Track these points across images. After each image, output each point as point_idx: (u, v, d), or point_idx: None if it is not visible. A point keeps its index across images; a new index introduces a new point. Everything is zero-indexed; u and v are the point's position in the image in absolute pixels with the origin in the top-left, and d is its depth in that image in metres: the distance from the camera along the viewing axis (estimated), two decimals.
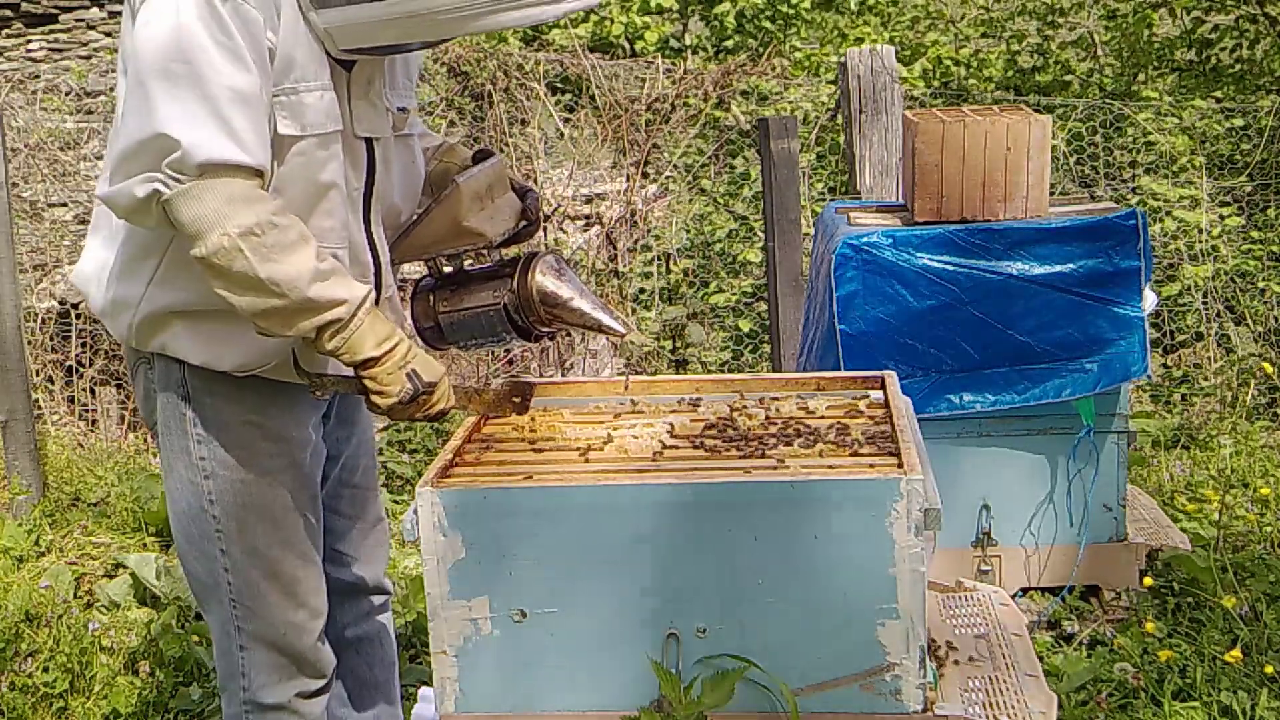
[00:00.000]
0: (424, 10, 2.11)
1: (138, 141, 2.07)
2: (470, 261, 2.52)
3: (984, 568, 3.81)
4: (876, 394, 2.74)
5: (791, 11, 9.60)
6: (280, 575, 2.37)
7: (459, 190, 2.41)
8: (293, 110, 2.15)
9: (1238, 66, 8.28)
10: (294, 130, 2.15)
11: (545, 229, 6.97)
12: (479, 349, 2.60)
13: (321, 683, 2.46)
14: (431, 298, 2.49)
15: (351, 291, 2.16)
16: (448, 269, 2.52)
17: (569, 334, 6.96)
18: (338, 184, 2.23)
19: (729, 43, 9.65)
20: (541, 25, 9.08)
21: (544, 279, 2.43)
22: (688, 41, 9.61)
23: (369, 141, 2.31)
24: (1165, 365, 6.94)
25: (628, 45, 9.01)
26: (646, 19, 9.17)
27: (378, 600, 2.68)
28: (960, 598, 3.05)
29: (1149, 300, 3.73)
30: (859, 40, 9.15)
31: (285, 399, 2.34)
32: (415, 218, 2.46)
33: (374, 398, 2.24)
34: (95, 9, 8.60)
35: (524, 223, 2.54)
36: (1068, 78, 8.70)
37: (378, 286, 2.36)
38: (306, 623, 2.41)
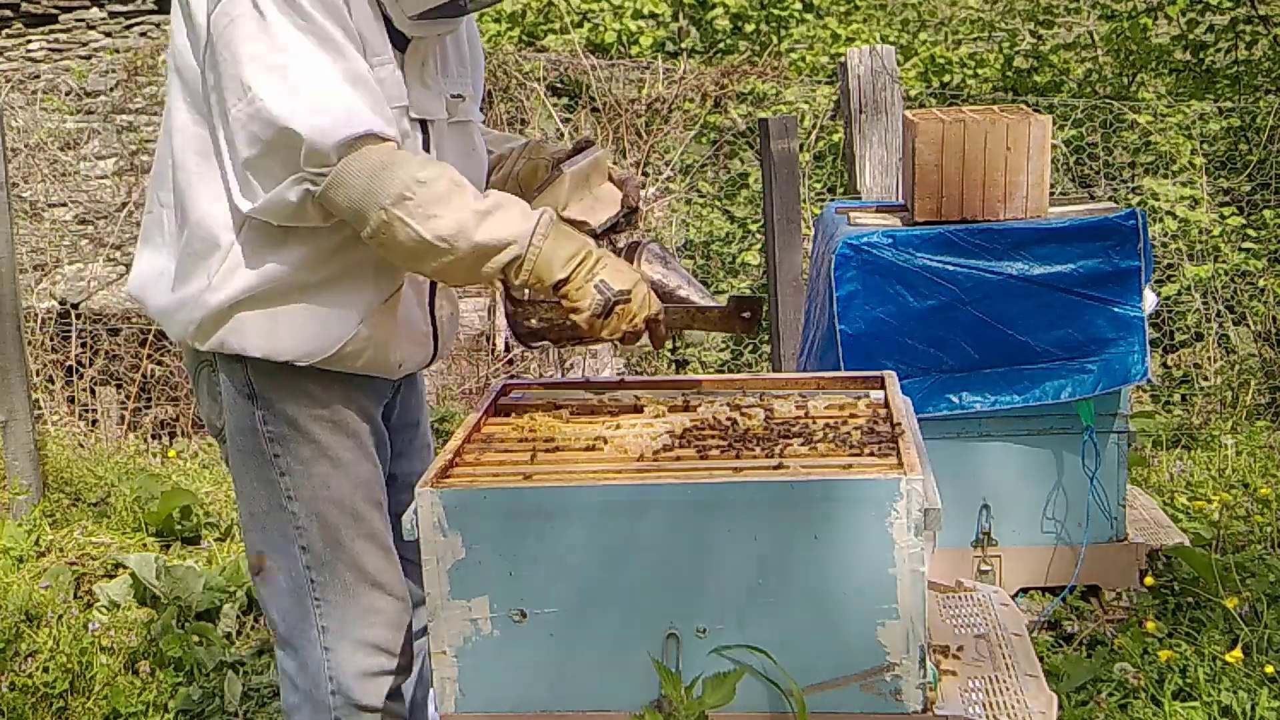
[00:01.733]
0: None
1: (264, 144, 2.06)
2: None
3: (984, 568, 3.81)
4: (876, 394, 2.74)
5: (785, 13, 9.61)
6: (365, 567, 2.34)
7: (564, 178, 2.38)
8: None
9: (1233, 68, 8.29)
10: None
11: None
12: (578, 344, 2.54)
13: (407, 677, 2.43)
14: (528, 292, 2.44)
15: (520, 226, 2.13)
16: None
17: None
18: None
19: (723, 45, 9.66)
20: (538, 30, 9.11)
21: (650, 267, 2.40)
22: (684, 44, 9.62)
23: (424, 124, 2.30)
24: (1165, 365, 6.94)
25: (623, 49, 9.01)
26: (640, 23, 9.18)
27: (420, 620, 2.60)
28: (960, 598, 3.04)
29: (1149, 300, 3.73)
30: (849, 40, 9.15)
31: (349, 392, 2.32)
32: None
33: (571, 316, 2.22)
34: (95, 9, 8.60)
35: (625, 211, 2.50)
36: (1064, 79, 8.70)
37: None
38: (392, 612, 2.38)
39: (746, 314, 2.41)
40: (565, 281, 2.18)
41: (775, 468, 2.30)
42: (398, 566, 2.41)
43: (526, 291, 2.33)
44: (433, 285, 2.38)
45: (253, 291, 2.21)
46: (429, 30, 2.24)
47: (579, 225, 2.39)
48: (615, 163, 6.97)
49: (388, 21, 2.20)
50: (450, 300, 2.45)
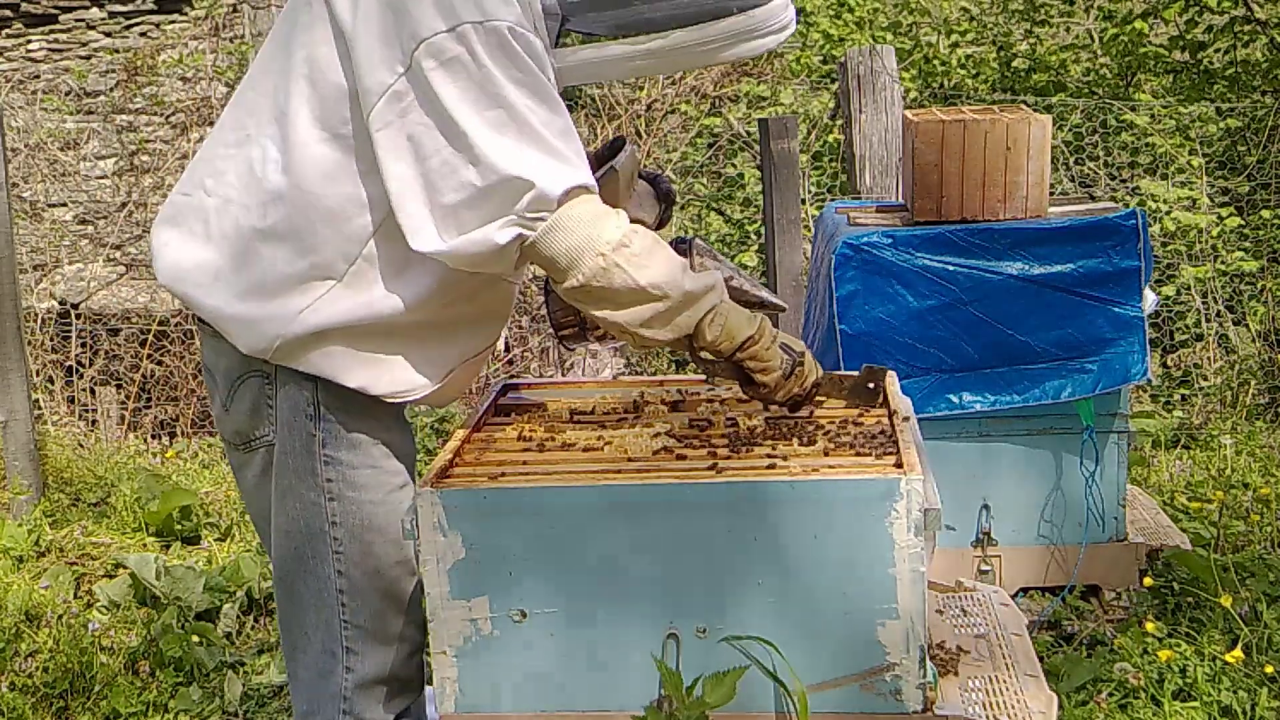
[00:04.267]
0: (664, 49, 2.16)
1: (479, 190, 2.04)
2: None
3: (984, 568, 3.81)
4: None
5: None
6: (398, 594, 2.33)
7: (618, 175, 2.36)
8: None
9: (1230, 69, 8.30)
10: None
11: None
12: (620, 344, 2.54)
13: (412, 698, 2.43)
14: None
15: (713, 276, 2.19)
16: None
17: None
18: None
19: None
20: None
21: (702, 262, 2.39)
22: None
23: None
24: (1165, 365, 6.95)
25: None
26: None
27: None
28: (960, 598, 3.04)
29: (1149, 300, 3.74)
30: (841, 40, 9.14)
31: (400, 417, 2.33)
32: None
33: (758, 376, 2.26)
34: (95, 9, 8.60)
35: (664, 207, 2.51)
36: (1063, 79, 8.70)
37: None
38: (416, 637, 2.38)
39: (872, 385, 2.50)
40: (753, 340, 2.24)
41: (775, 468, 2.30)
42: (418, 592, 2.40)
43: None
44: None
45: (359, 323, 2.18)
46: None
47: (638, 224, 2.40)
48: None
49: None
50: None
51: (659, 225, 2.51)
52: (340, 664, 2.33)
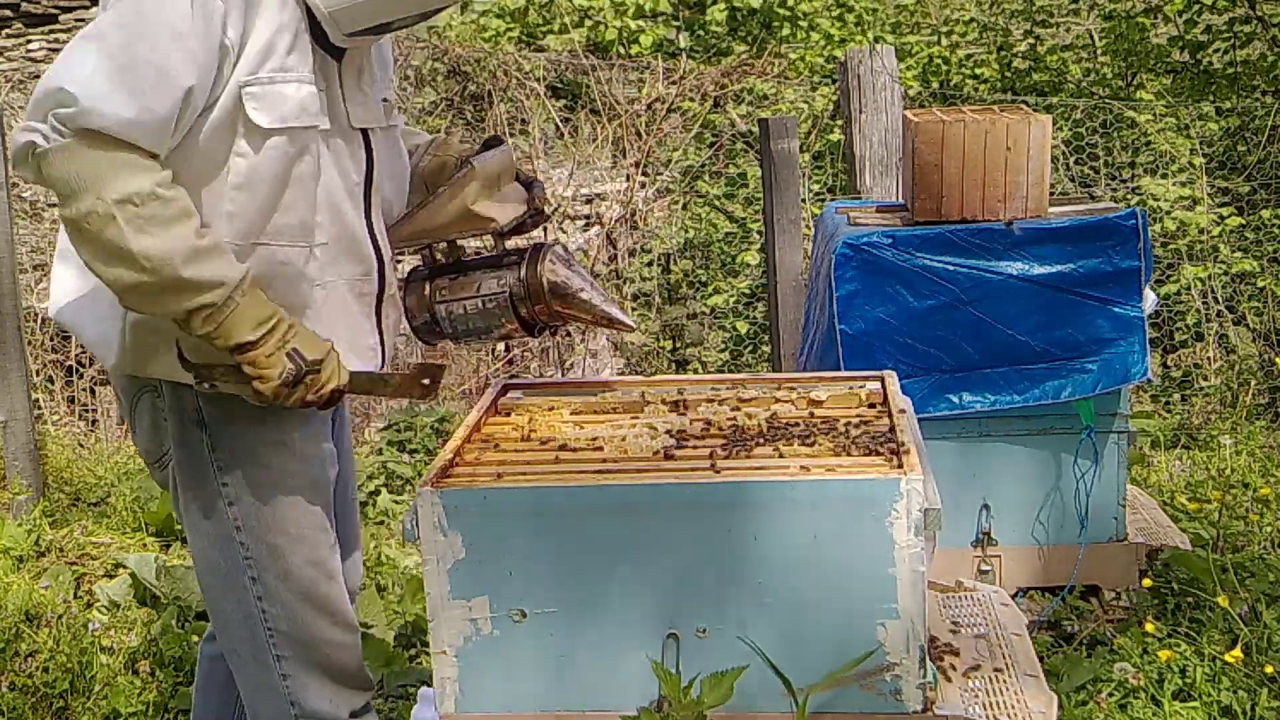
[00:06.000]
0: None
1: (44, 91, 1.99)
2: (469, 251, 2.47)
3: (984, 568, 3.81)
4: (876, 390, 2.74)
5: (787, 14, 9.61)
6: (315, 596, 2.31)
7: (473, 172, 2.36)
8: (267, 101, 2.09)
9: (1230, 69, 8.30)
10: (268, 122, 2.09)
11: (545, 228, 6.97)
12: (476, 342, 2.53)
13: (368, 696, 2.42)
14: (427, 287, 2.42)
15: (228, 273, 2.05)
16: (442, 258, 2.46)
17: (568, 333, 6.95)
18: (306, 179, 2.16)
19: (722, 45, 9.66)
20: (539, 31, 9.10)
21: (554, 269, 2.38)
22: (682, 44, 9.62)
23: (365, 133, 2.28)
24: (1165, 365, 6.95)
25: (623, 50, 9.02)
26: (640, 23, 9.18)
27: None
28: (960, 598, 3.05)
29: (1149, 300, 3.73)
30: (843, 41, 9.15)
31: (302, 415, 2.28)
32: (421, 201, 2.40)
33: (255, 383, 2.12)
34: (95, 8, 8.60)
35: (531, 212, 2.48)
36: (1063, 79, 8.71)
37: (380, 283, 2.32)
38: (345, 638, 2.36)
39: (426, 380, 2.35)
40: (252, 345, 2.09)
41: (775, 468, 2.30)
42: (343, 592, 2.38)
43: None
44: (380, 294, 2.32)
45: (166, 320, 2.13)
46: (362, 41, 2.23)
47: (486, 222, 2.38)
48: (614, 164, 6.96)
49: (318, 38, 2.17)
50: (395, 307, 2.40)
51: (519, 230, 2.49)
52: (275, 672, 2.33)
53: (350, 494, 2.58)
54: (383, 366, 2.39)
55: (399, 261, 2.55)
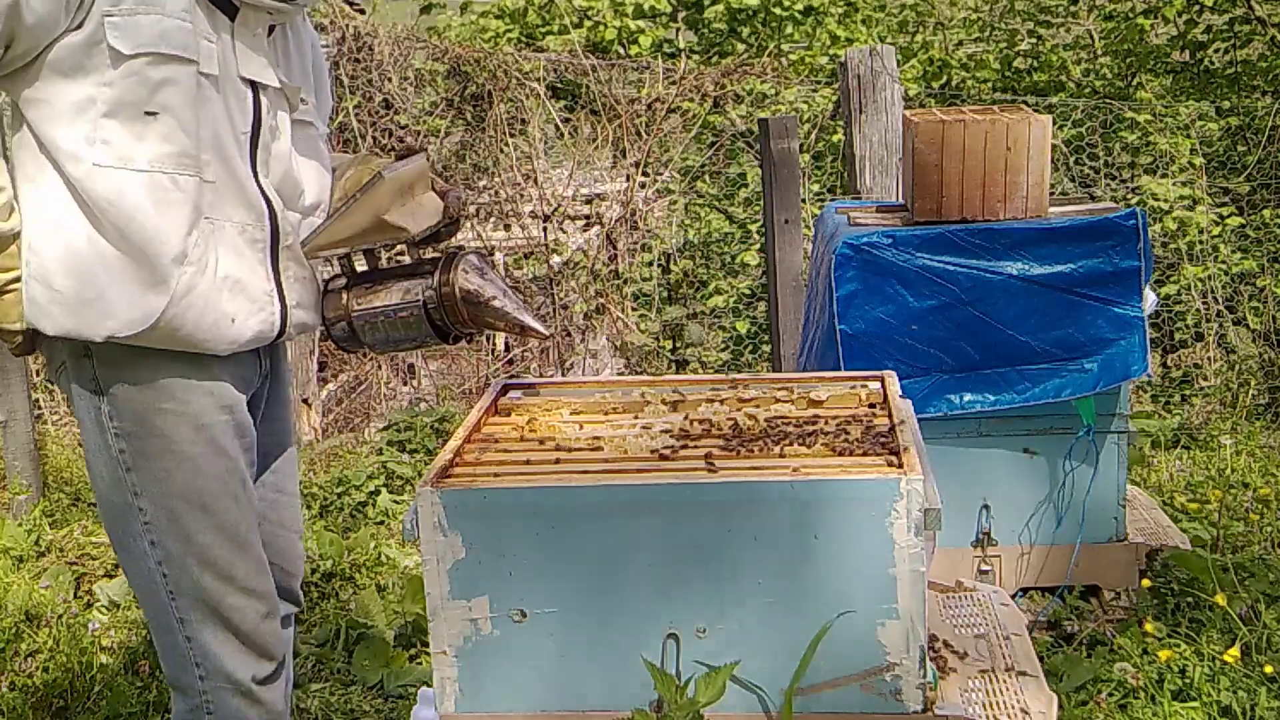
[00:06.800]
0: None
1: None
2: (386, 260, 2.49)
3: (984, 568, 3.81)
4: (876, 389, 2.74)
5: (786, 14, 9.61)
6: (216, 562, 2.33)
7: (383, 182, 2.39)
8: (124, 29, 2.15)
9: (1230, 69, 8.30)
10: (128, 48, 2.15)
11: (545, 229, 6.97)
12: (393, 350, 2.55)
13: (272, 665, 2.43)
14: (345, 295, 2.43)
15: None
16: (362, 267, 2.48)
17: (568, 333, 6.96)
18: (177, 109, 2.19)
19: (720, 46, 9.67)
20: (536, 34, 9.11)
21: (467, 277, 2.40)
22: (681, 44, 9.63)
23: (254, 87, 2.31)
24: (1165, 365, 6.95)
25: (622, 50, 9.02)
26: (640, 23, 9.18)
27: (290, 611, 2.61)
28: (960, 598, 3.05)
29: (1149, 300, 3.73)
30: (850, 41, 9.16)
31: (201, 380, 2.29)
32: (335, 211, 2.43)
33: None
34: None
35: (446, 221, 2.51)
36: (1062, 79, 8.71)
37: (274, 233, 2.32)
38: (248, 605, 2.38)
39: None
40: None
41: (775, 468, 2.30)
42: (256, 559, 2.39)
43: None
44: (274, 240, 2.33)
45: (33, 264, 2.19)
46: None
47: (399, 231, 2.40)
48: (615, 164, 6.96)
49: None
50: (298, 262, 2.39)
51: (434, 239, 2.52)
52: (179, 634, 2.36)
53: (288, 461, 2.58)
54: (282, 321, 2.37)
55: (324, 266, 2.56)
